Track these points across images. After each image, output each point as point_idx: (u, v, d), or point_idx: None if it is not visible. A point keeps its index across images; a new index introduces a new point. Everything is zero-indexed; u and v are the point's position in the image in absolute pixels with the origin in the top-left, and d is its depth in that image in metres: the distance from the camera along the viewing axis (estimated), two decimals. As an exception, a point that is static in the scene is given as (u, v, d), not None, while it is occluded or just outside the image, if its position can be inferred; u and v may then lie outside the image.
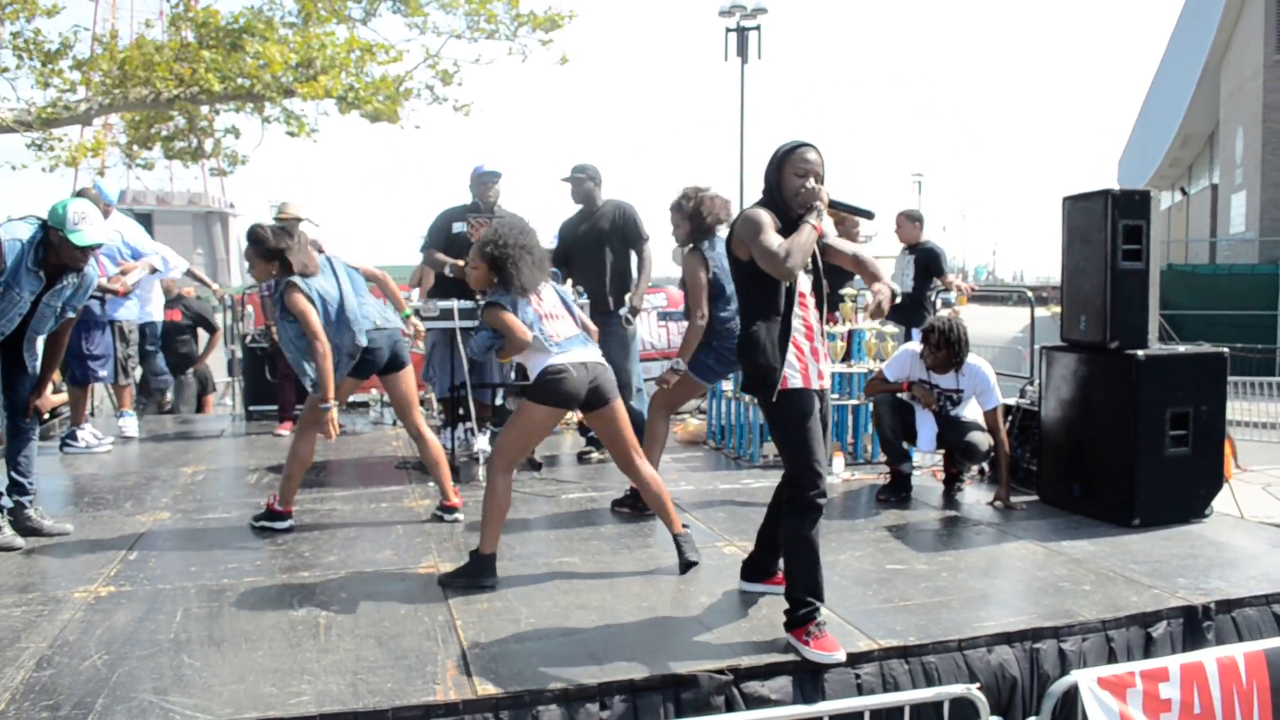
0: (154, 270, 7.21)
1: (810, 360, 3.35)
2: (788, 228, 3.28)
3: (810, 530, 3.25)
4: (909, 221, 8.06)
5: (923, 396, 5.27)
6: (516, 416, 3.99)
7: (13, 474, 4.44)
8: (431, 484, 5.38)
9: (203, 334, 9.24)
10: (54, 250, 4.15)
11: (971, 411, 5.31)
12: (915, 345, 5.37)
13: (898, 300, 7.99)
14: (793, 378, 3.29)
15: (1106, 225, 4.72)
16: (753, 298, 3.37)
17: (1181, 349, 4.94)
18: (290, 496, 4.69)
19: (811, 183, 3.31)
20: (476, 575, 3.87)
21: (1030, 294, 9.46)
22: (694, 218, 4.84)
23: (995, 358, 13.38)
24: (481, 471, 5.74)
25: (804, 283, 3.38)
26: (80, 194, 6.52)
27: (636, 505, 4.88)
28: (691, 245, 4.88)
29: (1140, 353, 4.67)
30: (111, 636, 3.27)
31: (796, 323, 3.32)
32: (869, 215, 3.45)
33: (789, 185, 3.34)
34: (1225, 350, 4.91)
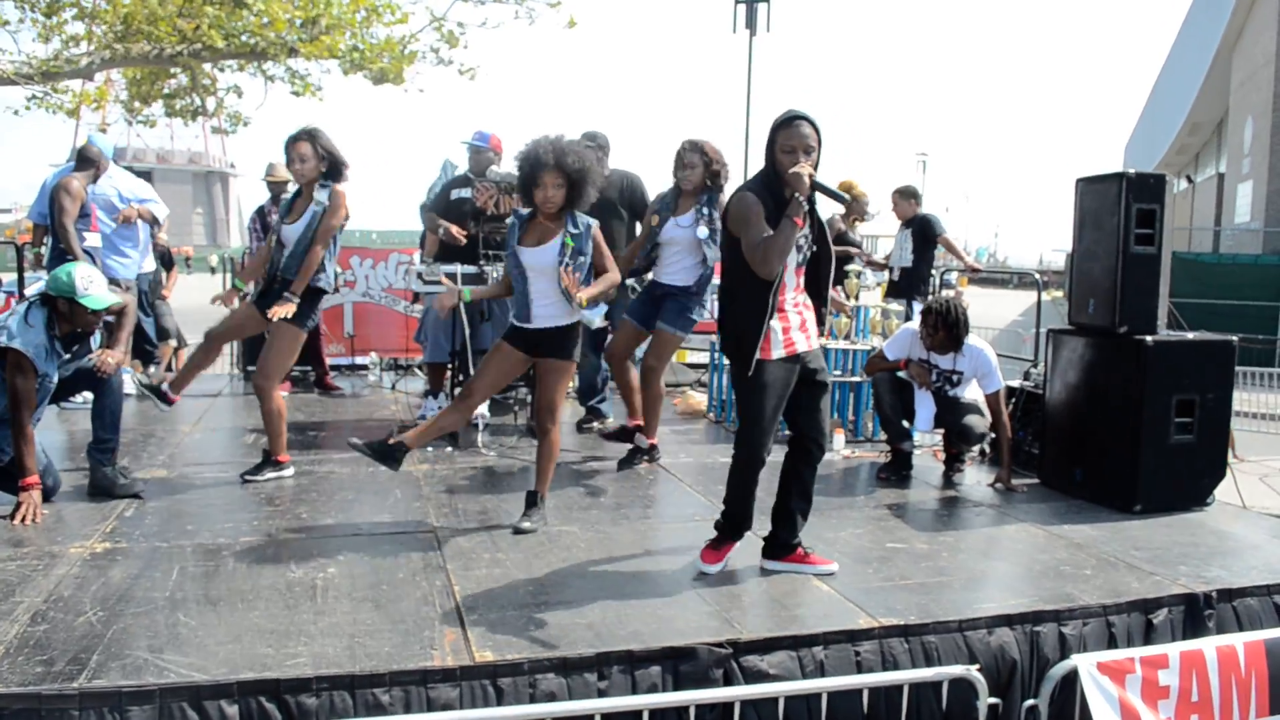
0: (155, 221, 7.12)
1: (779, 330, 3.41)
2: (781, 207, 3.27)
3: (749, 474, 3.56)
4: (904, 199, 8.14)
5: (919, 376, 5.23)
6: (566, 374, 4.24)
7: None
8: (430, 448, 5.35)
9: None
10: (65, 319, 4.13)
11: (973, 393, 5.27)
12: (916, 324, 5.33)
13: (894, 277, 8.08)
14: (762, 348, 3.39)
15: (1120, 208, 4.67)
16: (736, 270, 3.40)
17: (1190, 336, 4.90)
18: (281, 445, 4.85)
19: (799, 162, 3.27)
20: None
21: (1038, 276, 9.44)
22: (713, 176, 5.04)
23: (995, 340, 13.32)
24: (480, 438, 5.70)
25: (790, 257, 3.39)
26: (82, 150, 6.37)
27: (623, 436, 5.27)
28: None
29: (1149, 338, 4.63)
30: (107, 593, 3.25)
31: (774, 297, 3.36)
32: (843, 200, 3.59)
33: (779, 163, 3.31)
34: (1234, 339, 4.86)
